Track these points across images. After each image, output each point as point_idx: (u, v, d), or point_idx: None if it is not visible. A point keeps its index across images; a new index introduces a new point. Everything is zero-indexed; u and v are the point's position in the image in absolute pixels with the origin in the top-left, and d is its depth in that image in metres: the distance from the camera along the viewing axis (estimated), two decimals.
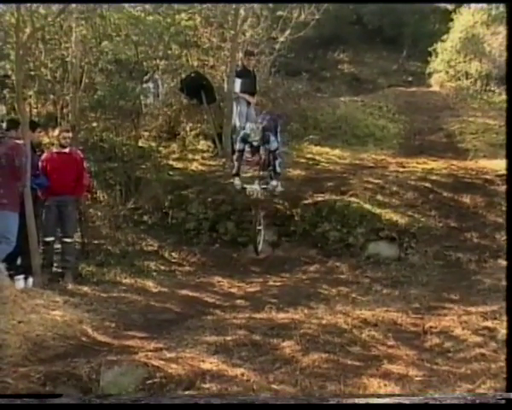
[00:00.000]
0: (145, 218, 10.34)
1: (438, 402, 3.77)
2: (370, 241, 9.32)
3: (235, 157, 9.71)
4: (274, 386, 5.19)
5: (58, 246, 8.98)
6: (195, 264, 9.45)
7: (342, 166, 11.39)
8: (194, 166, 11.51)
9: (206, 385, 5.23)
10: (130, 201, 10.46)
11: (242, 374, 5.39)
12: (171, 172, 11.19)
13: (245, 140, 9.41)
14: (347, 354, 5.74)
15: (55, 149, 9.22)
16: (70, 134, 9.26)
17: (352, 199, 9.84)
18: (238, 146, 9.56)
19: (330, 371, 5.41)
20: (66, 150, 9.09)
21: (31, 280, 8.14)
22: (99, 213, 10.19)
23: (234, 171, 9.60)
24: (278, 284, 8.65)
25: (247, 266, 9.28)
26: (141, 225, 10.24)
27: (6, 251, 7.95)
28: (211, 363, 5.61)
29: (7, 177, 8.22)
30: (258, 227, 9.50)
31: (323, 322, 6.43)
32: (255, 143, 9.39)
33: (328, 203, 9.84)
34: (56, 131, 9.32)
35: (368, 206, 9.70)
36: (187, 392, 5.17)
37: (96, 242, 9.66)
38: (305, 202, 10.00)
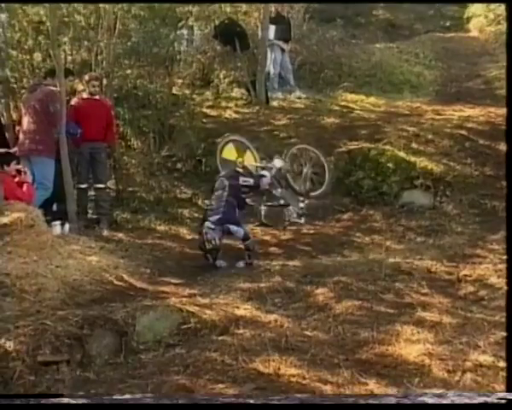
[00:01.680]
0: (179, 165, 10.34)
1: (438, 402, 3.78)
2: (405, 189, 9.23)
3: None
4: (307, 332, 5.24)
5: (93, 193, 9.08)
6: None
7: (377, 114, 11.24)
8: (228, 113, 11.46)
9: (240, 331, 5.31)
10: (164, 148, 10.46)
11: (276, 320, 5.46)
12: (204, 120, 11.14)
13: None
14: (381, 302, 5.76)
15: (84, 95, 9.22)
16: (103, 81, 9.25)
17: (387, 147, 9.72)
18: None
19: (363, 318, 5.45)
20: (96, 97, 9.10)
21: (67, 226, 8.25)
22: (133, 161, 10.22)
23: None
24: (312, 231, 8.65)
25: (281, 214, 9.26)
26: (174, 173, 10.25)
27: (43, 197, 8.07)
28: (245, 309, 5.68)
29: (42, 123, 8.32)
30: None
31: (357, 270, 6.45)
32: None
33: (362, 151, 9.75)
34: (86, 77, 9.26)
35: (402, 154, 9.59)
36: (220, 337, 5.25)
37: (130, 189, 9.72)
38: (339, 150, 9.93)
